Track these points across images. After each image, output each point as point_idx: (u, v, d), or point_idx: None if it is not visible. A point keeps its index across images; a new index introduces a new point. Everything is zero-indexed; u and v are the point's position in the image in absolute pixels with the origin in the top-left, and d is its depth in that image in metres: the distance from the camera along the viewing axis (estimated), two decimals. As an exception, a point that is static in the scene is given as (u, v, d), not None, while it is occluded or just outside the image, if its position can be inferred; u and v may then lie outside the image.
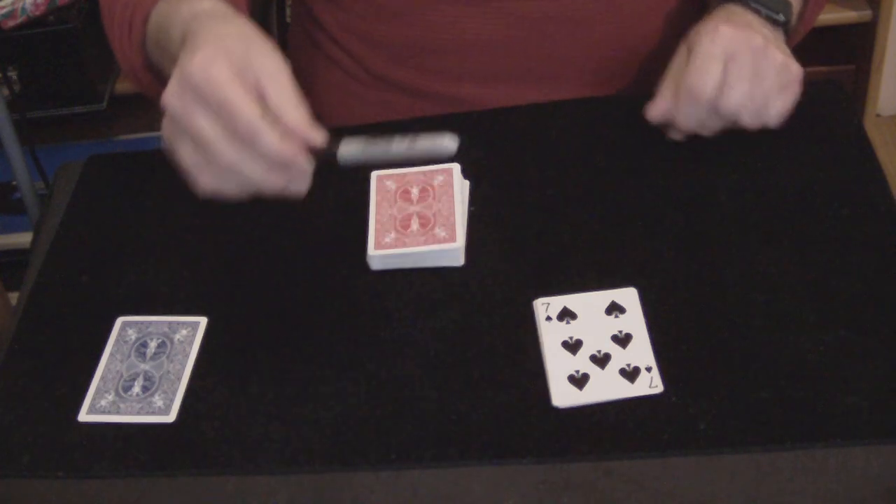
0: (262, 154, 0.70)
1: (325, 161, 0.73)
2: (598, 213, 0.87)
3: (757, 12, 0.88)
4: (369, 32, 1.03)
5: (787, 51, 0.87)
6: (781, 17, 0.88)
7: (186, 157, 0.72)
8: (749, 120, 0.85)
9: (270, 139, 0.69)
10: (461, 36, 1.00)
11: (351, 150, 0.75)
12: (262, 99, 0.70)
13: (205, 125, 0.70)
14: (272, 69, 0.72)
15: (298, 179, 0.72)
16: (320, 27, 1.07)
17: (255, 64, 0.71)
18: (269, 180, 0.72)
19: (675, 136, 0.90)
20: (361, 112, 1.07)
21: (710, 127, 0.87)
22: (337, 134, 0.75)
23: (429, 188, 0.87)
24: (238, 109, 0.69)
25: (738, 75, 0.83)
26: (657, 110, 0.88)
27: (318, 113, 1.11)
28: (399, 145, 0.75)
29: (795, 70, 0.86)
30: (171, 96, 0.71)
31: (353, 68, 1.06)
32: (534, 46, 1.00)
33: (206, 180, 0.73)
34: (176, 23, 0.78)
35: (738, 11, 0.88)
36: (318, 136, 0.72)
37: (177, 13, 0.79)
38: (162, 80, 0.80)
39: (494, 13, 0.98)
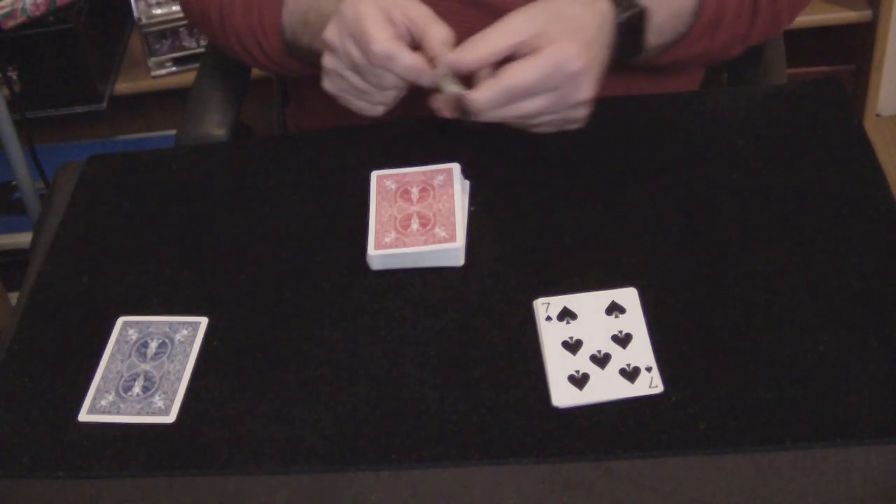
0: (398, 72, 0.83)
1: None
2: (598, 213, 0.87)
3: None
4: None
5: (597, 82, 0.85)
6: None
7: (341, 85, 0.87)
8: (515, 121, 0.85)
9: (402, 59, 0.82)
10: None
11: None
12: (411, 29, 0.84)
13: (354, 52, 0.84)
14: (415, 5, 0.84)
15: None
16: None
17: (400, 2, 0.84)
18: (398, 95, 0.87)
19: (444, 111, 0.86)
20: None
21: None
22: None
23: (429, 188, 0.87)
24: (372, 37, 0.81)
25: (546, 86, 0.82)
26: (468, 60, 0.83)
27: (321, 113, 1.11)
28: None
29: (583, 114, 0.86)
30: (329, 32, 0.85)
31: None
32: None
33: (358, 104, 0.89)
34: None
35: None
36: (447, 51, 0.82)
37: None
38: (309, 60, 0.95)
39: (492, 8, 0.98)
